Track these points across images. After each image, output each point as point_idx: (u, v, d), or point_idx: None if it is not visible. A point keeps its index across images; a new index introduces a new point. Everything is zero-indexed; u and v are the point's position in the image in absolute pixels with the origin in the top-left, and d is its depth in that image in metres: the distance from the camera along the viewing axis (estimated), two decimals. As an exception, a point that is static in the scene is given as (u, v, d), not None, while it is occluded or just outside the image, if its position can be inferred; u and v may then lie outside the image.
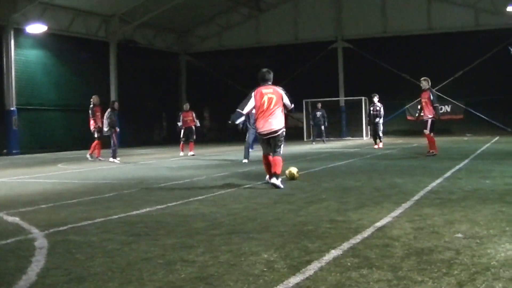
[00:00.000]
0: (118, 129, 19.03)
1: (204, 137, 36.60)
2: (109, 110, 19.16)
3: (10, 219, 7.27)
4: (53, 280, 4.31)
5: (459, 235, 5.39)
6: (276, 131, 10.48)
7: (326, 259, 4.61)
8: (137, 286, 4.10)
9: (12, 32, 27.22)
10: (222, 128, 40.07)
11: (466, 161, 14.38)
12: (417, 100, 34.01)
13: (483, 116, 34.40)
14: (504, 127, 33.57)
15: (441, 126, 17.06)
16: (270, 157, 10.60)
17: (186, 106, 22.76)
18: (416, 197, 8.01)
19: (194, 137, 22.28)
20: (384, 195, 8.42)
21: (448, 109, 34.70)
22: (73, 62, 31.31)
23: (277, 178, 10.04)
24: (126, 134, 19.99)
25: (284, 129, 10.66)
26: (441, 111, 17.87)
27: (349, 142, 30.25)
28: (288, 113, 11.19)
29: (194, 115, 22.31)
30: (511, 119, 33.23)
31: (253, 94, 10.53)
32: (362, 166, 14.15)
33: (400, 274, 4.11)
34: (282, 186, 9.91)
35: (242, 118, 10.81)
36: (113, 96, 32.09)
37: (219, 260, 4.71)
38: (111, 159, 18.82)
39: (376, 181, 10.39)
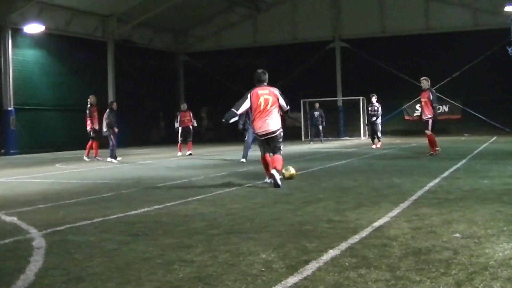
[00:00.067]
0: (116, 130, 19.02)
1: (202, 137, 36.60)
2: (107, 110, 19.18)
3: (8, 219, 7.27)
4: (52, 280, 4.31)
5: (457, 235, 5.39)
6: (273, 132, 10.53)
7: (324, 259, 4.61)
8: (136, 286, 4.10)
9: (9, 32, 27.22)
10: (220, 128, 40.07)
11: (464, 161, 14.40)
12: (415, 100, 34.38)
13: (481, 116, 34.42)
14: (502, 127, 33.59)
15: (438, 126, 17.07)
16: (268, 157, 10.63)
17: (184, 106, 22.77)
18: (414, 197, 8.01)
19: (191, 137, 22.30)
20: (382, 195, 8.43)
21: (446, 109, 34.72)
22: (71, 62, 31.31)
23: (276, 171, 10.12)
24: (124, 134, 20.00)
25: (282, 130, 10.72)
26: (439, 111, 17.84)
27: (347, 142, 30.26)
28: (284, 115, 11.20)
29: (191, 115, 22.33)
30: (509, 119, 33.25)
31: (249, 95, 10.56)
32: (360, 166, 14.16)
33: (398, 274, 4.11)
34: (279, 182, 9.97)
35: (236, 118, 10.83)
36: (111, 96, 32.08)
37: (218, 260, 4.71)
38: (108, 159, 18.82)
39: (374, 181, 10.40)
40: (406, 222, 6.12)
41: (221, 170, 13.95)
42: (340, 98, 37.37)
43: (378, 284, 3.91)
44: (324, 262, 4.53)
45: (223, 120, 10.79)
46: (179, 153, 21.54)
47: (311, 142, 30.01)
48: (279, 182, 9.99)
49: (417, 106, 35.14)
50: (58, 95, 30.29)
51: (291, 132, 34.28)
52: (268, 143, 10.63)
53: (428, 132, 16.61)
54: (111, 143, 19.03)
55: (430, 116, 16.50)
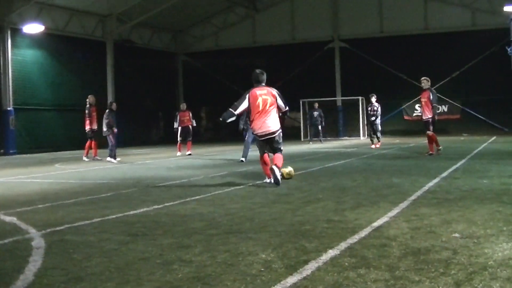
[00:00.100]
0: (115, 130, 19.01)
1: (201, 137, 36.61)
2: (107, 110, 19.19)
3: (7, 219, 7.26)
4: (51, 280, 4.31)
5: (456, 235, 5.39)
6: (273, 133, 10.56)
7: (324, 259, 4.61)
8: (135, 286, 4.10)
9: (9, 32, 27.21)
10: (219, 128, 40.09)
11: (463, 161, 14.40)
12: (414, 100, 34.40)
13: (480, 116, 34.44)
14: (501, 127, 33.61)
15: (438, 126, 17.07)
16: (267, 157, 10.65)
17: (183, 105, 22.76)
18: (413, 197, 8.01)
19: (191, 137, 22.29)
20: (381, 195, 8.43)
21: (445, 109, 34.73)
22: (70, 62, 31.31)
23: (276, 168, 10.15)
24: (123, 134, 20.01)
25: (281, 130, 10.74)
26: (438, 111, 17.84)
27: (346, 142, 30.25)
28: (283, 115, 11.21)
29: (191, 114, 22.34)
30: (508, 119, 33.25)
31: (247, 95, 10.58)
32: (359, 166, 14.16)
33: (397, 274, 4.11)
34: (279, 178, 10.04)
35: (233, 118, 10.83)
36: (110, 96, 32.07)
37: (217, 260, 4.71)
38: (108, 159, 18.82)
39: (373, 181, 10.40)
40: (405, 222, 6.12)
41: (220, 170, 13.95)
42: (339, 98, 37.36)
43: (377, 284, 3.91)
44: (323, 262, 4.53)
45: (221, 119, 10.83)
46: (179, 153, 21.53)
47: (310, 142, 30.02)
48: (279, 177, 10.06)
49: (417, 106, 35.23)
50: (57, 95, 30.30)
51: (290, 132, 34.26)
52: (268, 144, 10.66)
53: (430, 133, 16.63)
54: (110, 143, 19.03)
55: (430, 116, 16.51)
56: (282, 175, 10.60)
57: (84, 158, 20.00)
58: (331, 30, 37.74)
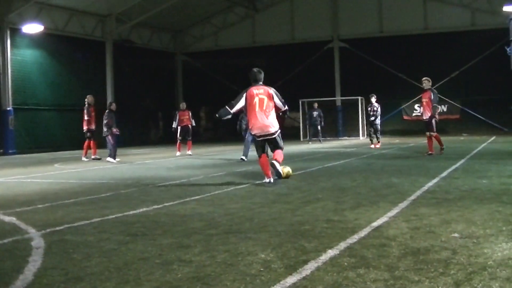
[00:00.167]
0: (114, 130, 18.98)
1: (200, 137, 36.61)
2: (107, 111, 19.19)
3: (6, 219, 7.26)
4: (50, 280, 4.31)
5: (456, 234, 5.39)
6: (271, 134, 10.57)
7: (323, 259, 4.61)
8: (134, 286, 4.10)
9: (8, 32, 27.20)
10: (219, 128, 40.12)
11: (463, 160, 14.41)
12: (414, 100, 34.43)
13: (479, 116, 34.46)
14: (501, 127, 33.62)
15: (437, 126, 17.09)
16: (266, 158, 10.67)
17: (183, 105, 22.75)
18: (412, 197, 8.01)
19: (191, 136, 22.29)
20: (381, 194, 8.43)
21: (445, 109, 34.73)
22: (69, 62, 31.31)
23: (276, 162, 10.23)
24: (122, 134, 19.99)
25: (279, 130, 10.73)
26: (438, 111, 17.85)
27: (345, 142, 30.25)
28: (283, 115, 11.20)
29: (190, 114, 22.34)
30: (508, 119, 33.25)
31: (244, 94, 10.60)
32: (359, 166, 14.16)
33: (397, 274, 4.11)
34: (281, 171, 10.14)
35: (229, 116, 10.87)
36: (109, 95, 32.10)
37: (216, 260, 4.71)
38: (108, 159, 18.82)
39: (373, 180, 10.40)
40: (405, 222, 6.12)
41: (219, 170, 13.95)
42: (338, 98, 37.37)
43: (377, 284, 3.91)
44: (323, 262, 4.53)
45: (217, 115, 10.90)
46: (178, 153, 21.51)
47: (310, 142, 30.01)
48: (280, 170, 10.15)
49: (416, 106, 35.27)
50: (56, 95, 30.29)
51: (289, 132, 34.26)
52: (268, 143, 10.70)
53: (433, 133, 16.66)
54: (109, 143, 19.03)
55: (434, 117, 16.54)
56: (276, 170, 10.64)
57: (83, 158, 20.00)
58: (331, 30, 37.76)
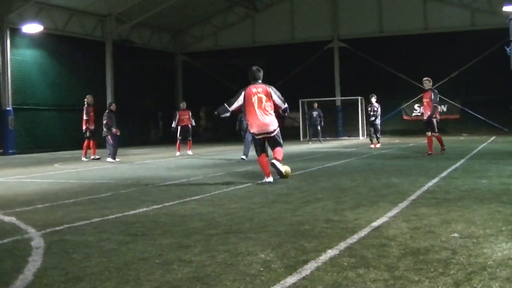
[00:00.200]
0: (114, 130, 18.97)
1: (200, 137, 36.62)
2: (107, 111, 19.20)
3: (6, 219, 7.26)
4: (50, 280, 4.31)
5: (456, 234, 5.39)
6: (270, 133, 10.59)
7: (323, 259, 4.61)
8: (134, 286, 4.10)
9: (8, 32, 27.20)
10: (219, 128, 40.13)
11: (463, 160, 14.41)
12: (414, 100, 34.45)
13: (479, 116, 34.46)
14: (501, 127, 33.62)
15: (438, 126, 17.11)
16: (265, 157, 10.70)
17: (183, 104, 22.74)
18: (412, 197, 8.01)
19: (191, 136, 22.29)
20: (381, 194, 8.43)
21: (444, 109, 34.74)
22: (69, 62, 31.32)
23: (276, 161, 10.26)
24: (122, 134, 19.98)
25: (278, 128, 10.75)
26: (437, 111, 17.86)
27: (345, 142, 30.26)
28: (283, 114, 11.18)
29: (190, 114, 22.33)
30: (508, 119, 33.25)
31: (243, 92, 10.63)
32: (359, 166, 14.16)
33: (397, 274, 4.11)
34: (282, 169, 10.15)
35: (227, 114, 10.88)
36: (109, 95, 32.12)
37: (216, 260, 4.71)
38: (108, 159, 18.82)
39: (373, 180, 10.40)
40: (405, 222, 6.12)
41: (219, 170, 13.96)
42: (338, 98, 37.37)
43: (376, 284, 3.91)
44: (322, 262, 4.53)
45: (215, 113, 10.92)
46: (178, 153, 21.50)
47: (310, 142, 30.01)
48: (282, 169, 10.19)
49: (416, 106, 35.29)
50: (56, 95, 30.30)
51: (289, 132, 34.33)
52: (267, 141, 10.72)
53: (436, 134, 16.67)
54: (109, 143, 19.03)
55: (433, 117, 16.54)
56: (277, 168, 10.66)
57: (83, 158, 20.01)
58: (331, 30, 37.77)
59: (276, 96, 10.66)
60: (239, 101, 10.62)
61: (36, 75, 29.34)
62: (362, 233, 5.61)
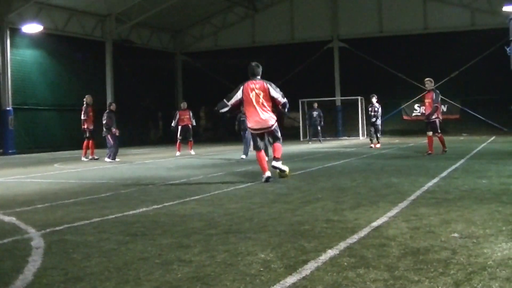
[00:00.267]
0: (114, 130, 18.98)
1: (200, 137, 36.63)
2: (107, 111, 19.20)
3: (6, 219, 7.26)
4: (50, 280, 4.30)
5: (456, 234, 5.39)
6: (269, 127, 10.71)
7: (323, 259, 4.61)
8: (134, 286, 4.09)
9: (8, 32, 27.22)
10: (219, 128, 40.13)
11: (462, 160, 14.40)
12: (414, 100, 34.47)
13: (479, 116, 34.47)
14: (500, 127, 33.63)
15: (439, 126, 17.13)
16: (263, 153, 10.83)
17: (184, 104, 22.71)
18: (412, 197, 8.01)
19: (191, 136, 22.28)
20: (380, 194, 8.42)
21: (444, 109, 34.70)
22: (69, 62, 31.33)
23: (276, 161, 10.37)
24: (122, 134, 20.01)
25: (276, 123, 10.87)
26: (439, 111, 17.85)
27: (345, 142, 30.26)
28: (283, 110, 11.18)
29: (191, 114, 22.30)
30: (508, 118, 33.27)
31: (241, 87, 10.74)
32: (359, 166, 14.15)
33: (397, 274, 4.11)
34: (284, 168, 10.25)
35: (227, 109, 10.97)
36: (109, 95, 32.13)
37: (216, 260, 4.71)
38: (107, 159, 18.83)
39: (372, 180, 10.39)
40: (405, 222, 6.12)
41: (219, 170, 13.95)
42: (338, 98, 37.38)
43: (376, 284, 3.91)
44: (322, 262, 4.53)
45: (215, 109, 11.06)
46: (178, 153, 21.48)
47: (310, 142, 30.03)
48: (282, 167, 10.34)
49: (416, 106, 35.30)
50: (56, 95, 30.31)
51: (289, 132, 34.37)
52: (262, 137, 10.89)
53: (438, 134, 16.67)
54: (109, 143, 19.04)
55: (435, 117, 16.54)
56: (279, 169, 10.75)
57: (83, 158, 20.01)
58: (330, 30, 37.78)
59: (274, 91, 10.73)
60: (238, 95, 10.74)
61: (36, 75, 29.35)
62: (362, 233, 5.61)
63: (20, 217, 7.27)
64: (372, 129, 23.30)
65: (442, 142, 16.98)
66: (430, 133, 16.74)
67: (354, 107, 35.16)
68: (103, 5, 31.81)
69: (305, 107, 34.96)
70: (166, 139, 35.17)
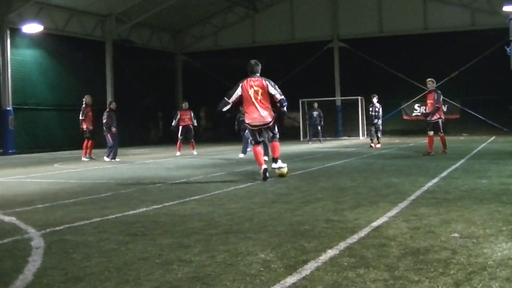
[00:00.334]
0: (113, 129, 18.98)
1: (200, 137, 36.62)
2: (107, 110, 19.21)
3: (6, 219, 7.26)
4: (50, 280, 4.30)
5: (456, 234, 5.39)
6: (267, 123, 10.84)
7: (323, 259, 4.61)
8: (134, 286, 4.09)
9: (8, 32, 27.23)
10: (219, 128, 40.12)
11: (463, 160, 14.40)
12: (414, 100, 34.47)
13: (479, 116, 34.47)
14: (500, 127, 33.63)
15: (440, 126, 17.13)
16: (260, 148, 10.92)
17: (185, 104, 22.64)
18: (412, 197, 8.01)
19: (192, 136, 22.26)
20: (381, 194, 8.42)
21: (444, 109, 34.65)
22: (69, 62, 31.33)
23: (276, 163, 10.51)
24: (122, 134, 20.03)
25: (274, 120, 11.00)
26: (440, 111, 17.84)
27: (345, 142, 30.25)
28: (281, 108, 11.19)
29: (192, 114, 22.23)
30: (508, 118, 33.28)
31: (241, 84, 10.88)
32: (359, 166, 14.15)
33: (397, 274, 4.11)
34: (283, 165, 10.38)
35: (228, 106, 11.08)
36: (109, 95, 32.13)
37: (216, 260, 4.71)
38: (105, 158, 18.83)
39: (373, 180, 10.39)
40: (405, 222, 6.12)
41: (219, 170, 13.95)
42: (338, 98, 37.38)
43: (376, 284, 3.91)
44: (322, 262, 4.53)
45: (218, 109, 11.12)
46: (178, 153, 21.46)
47: (310, 142, 30.00)
48: (282, 165, 10.51)
49: (416, 106, 35.29)
50: (56, 95, 30.31)
51: (289, 132, 34.40)
52: (261, 132, 10.99)
53: (441, 134, 16.68)
54: (108, 143, 19.04)
55: (438, 117, 16.54)
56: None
57: (83, 158, 20.01)
58: (331, 30, 37.77)
59: (273, 88, 10.85)
60: (238, 92, 10.93)
61: (36, 75, 29.35)
62: (362, 233, 5.61)
63: (20, 217, 7.27)
64: (373, 129, 23.30)
65: (444, 142, 16.97)
66: (431, 133, 16.74)
67: (354, 107, 35.16)
68: (103, 5, 31.81)
69: (305, 107, 34.95)
70: (166, 139, 35.17)
